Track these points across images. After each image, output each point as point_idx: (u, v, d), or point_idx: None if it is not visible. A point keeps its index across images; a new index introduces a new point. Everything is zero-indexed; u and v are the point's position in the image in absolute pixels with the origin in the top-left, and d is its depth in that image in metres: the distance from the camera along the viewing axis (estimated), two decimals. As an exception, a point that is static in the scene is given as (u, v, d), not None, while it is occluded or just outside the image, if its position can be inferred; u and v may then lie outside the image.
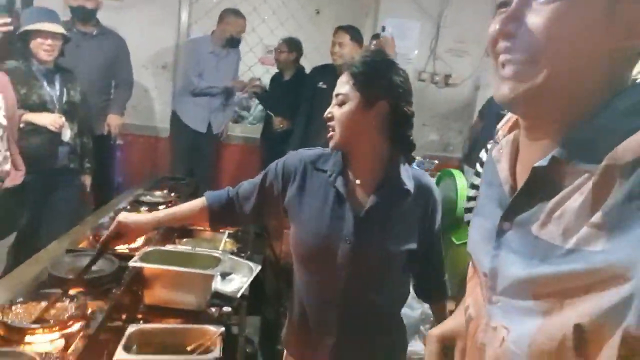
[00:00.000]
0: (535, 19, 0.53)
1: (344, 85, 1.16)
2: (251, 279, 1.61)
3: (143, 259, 1.43)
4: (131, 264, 1.40)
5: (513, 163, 0.64)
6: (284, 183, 1.26)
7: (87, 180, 2.63)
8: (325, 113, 1.19)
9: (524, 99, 0.56)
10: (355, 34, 3.11)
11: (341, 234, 1.16)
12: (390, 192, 1.17)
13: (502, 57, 0.57)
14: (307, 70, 3.67)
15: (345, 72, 1.17)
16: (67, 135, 2.36)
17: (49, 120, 2.28)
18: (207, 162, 3.63)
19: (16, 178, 2.11)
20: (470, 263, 0.73)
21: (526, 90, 0.55)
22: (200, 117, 3.49)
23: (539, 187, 0.57)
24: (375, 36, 3.41)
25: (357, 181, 1.20)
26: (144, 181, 2.68)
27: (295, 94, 3.51)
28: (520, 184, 0.61)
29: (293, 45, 3.63)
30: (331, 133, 1.18)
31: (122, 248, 1.68)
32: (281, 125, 3.52)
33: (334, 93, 1.18)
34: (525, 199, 0.58)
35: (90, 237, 1.74)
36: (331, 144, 1.18)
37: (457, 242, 2.22)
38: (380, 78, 1.14)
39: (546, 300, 0.54)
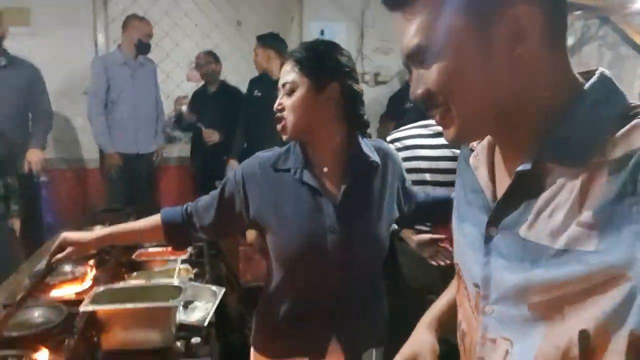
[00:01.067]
0: (428, 80, 0.57)
1: (289, 74, 1.13)
2: (217, 303, 1.54)
3: (95, 300, 1.32)
4: (82, 308, 1.28)
5: (491, 168, 0.64)
6: (245, 192, 1.19)
7: (16, 224, 2.42)
8: (275, 105, 1.15)
9: (465, 137, 0.61)
10: (276, 41, 3.17)
11: (325, 226, 1.14)
12: (360, 171, 1.17)
13: (430, 112, 0.60)
14: (232, 83, 3.67)
15: (289, 61, 1.14)
16: None
17: None
18: (143, 186, 3.43)
19: None
20: (457, 277, 0.72)
21: (459, 131, 0.58)
22: (124, 137, 3.27)
23: (523, 190, 0.56)
24: None
25: (325, 169, 1.18)
26: (78, 218, 2.49)
27: (222, 105, 3.48)
28: (500, 188, 0.61)
29: (217, 57, 3.58)
30: (282, 122, 1.14)
31: (68, 294, 1.55)
32: (212, 137, 3.44)
33: (280, 83, 1.15)
34: (510, 202, 0.58)
35: (29, 287, 1.58)
36: (285, 135, 1.14)
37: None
38: (326, 59, 1.13)
39: (544, 307, 0.53)
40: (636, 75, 3.89)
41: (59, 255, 1.23)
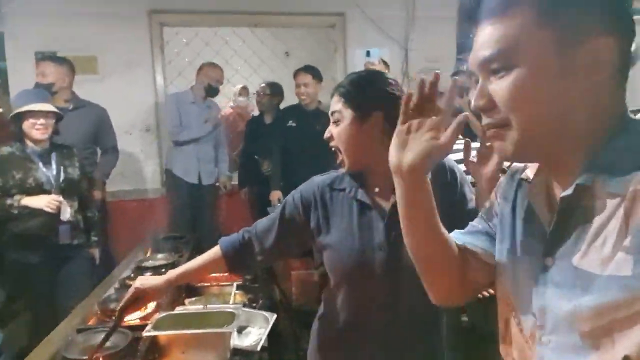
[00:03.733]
0: (497, 91, 0.58)
1: (336, 104, 1.20)
2: (269, 329, 1.59)
3: (156, 326, 1.41)
4: (145, 333, 1.38)
5: (548, 201, 0.64)
6: (305, 211, 1.26)
7: (96, 253, 2.62)
8: (325, 134, 1.22)
9: (521, 155, 0.61)
10: (315, 72, 3.30)
11: (374, 244, 1.17)
12: None
13: (484, 121, 0.62)
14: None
15: (335, 94, 1.21)
16: (66, 214, 2.35)
17: (44, 202, 2.27)
18: (205, 215, 3.63)
19: None
20: (503, 307, 0.71)
21: (517, 147, 0.58)
22: (188, 167, 3.53)
23: (572, 217, 0.57)
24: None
25: (376, 189, 1.21)
26: (140, 246, 2.65)
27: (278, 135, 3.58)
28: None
29: (275, 89, 3.72)
30: (340, 157, 1.20)
31: (133, 318, 1.65)
32: (269, 169, 3.55)
33: (330, 111, 1.22)
34: (562, 231, 0.58)
35: (99, 312, 1.71)
36: (344, 168, 1.21)
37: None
38: (367, 90, 1.17)
39: (594, 335, 0.53)
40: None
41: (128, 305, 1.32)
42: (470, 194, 1.24)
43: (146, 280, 1.34)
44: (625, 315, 0.49)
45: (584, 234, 0.55)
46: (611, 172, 0.53)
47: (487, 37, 0.58)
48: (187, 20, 3.86)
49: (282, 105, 3.76)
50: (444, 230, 0.77)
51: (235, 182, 3.91)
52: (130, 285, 1.88)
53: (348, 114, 1.17)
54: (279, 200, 3.10)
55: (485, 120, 0.61)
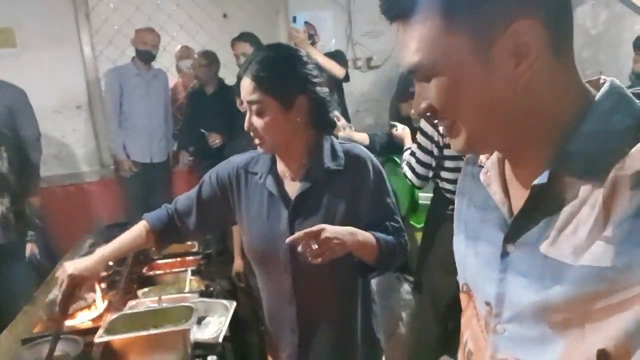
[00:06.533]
0: (432, 95, 0.57)
1: (253, 92, 1.09)
2: (229, 318, 1.55)
3: (109, 329, 1.34)
4: (97, 339, 1.30)
5: (504, 184, 0.62)
6: (222, 191, 1.26)
7: (34, 249, 2.47)
8: (245, 125, 1.14)
9: (473, 148, 0.61)
10: (253, 39, 3.13)
11: (279, 232, 1.16)
12: (316, 177, 1.16)
13: (437, 123, 0.61)
14: (228, 81, 3.59)
15: (248, 77, 1.10)
16: None
17: None
18: (159, 194, 3.45)
19: None
20: (463, 294, 0.71)
21: (468, 142, 0.57)
22: (139, 146, 3.36)
23: (541, 204, 0.55)
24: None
25: (288, 175, 1.20)
26: (83, 236, 2.48)
27: (222, 106, 3.43)
28: (516, 204, 0.60)
29: (211, 57, 3.52)
30: (258, 142, 1.15)
31: (82, 321, 1.56)
32: (216, 141, 3.42)
33: (245, 100, 1.12)
34: (528, 218, 0.56)
35: (45, 318, 1.60)
36: (262, 150, 1.18)
37: (417, 226, 2.26)
38: (288, 74, 1.11)
39: (565, 325, 0.52)
40: (634, 34, 3.81)
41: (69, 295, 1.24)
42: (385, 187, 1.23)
43: (77, 264, 1.25)
44: (601, 307, 0.49)
45: (552, 221, 0.54)
46: (583, 158, 0.52)
47: (404, 45, 0.56)
48: (112, -17, 3.54)
49: (224, 73, 3.60)
50: None
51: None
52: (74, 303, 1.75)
53: (271, 102, 1.09)
54: None
55: (436, 120, 0.60)
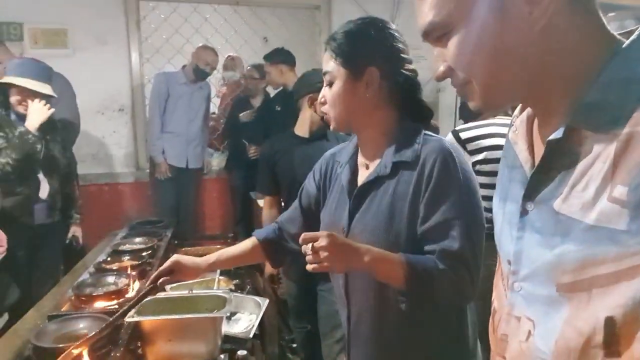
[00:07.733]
0: (447, 56, 0.57)
1: (328, 62, 1.06)
2: (261, 314, 1.48)
3: (140, 311, 1.28)
4: (128, 319, 1.25)
5: (530, 142, 0.61)
6: (318, 187, 1.22)
7: (78, 232, 2.48)
8: (319, 98, 1.10)
9: (489, 106, 0.59)
10: (283, 57, 3.29)
11: (339, 225, 1.08)
12: (383, 168, 1.02)
13: (453, 85, 0.60)
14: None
15: (327, 49, 1.06)
16: (45, 191, 2.18)
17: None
18: (189, 198, 3.53)
19: None
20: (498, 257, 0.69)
21: (483, 100, 0.57)
22: (176, 151, 3.42)
23: (557, 160, 0.53)
24: None
25: (364, 163, 1.10)
26: (114, 232, 2.47)
27: (265, 119, 3.47)
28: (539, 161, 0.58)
29: (262, 72, 3.57)
30: (326, 116, 1.10)
31: (111, 305, 1.52)
32: (255, 153, 3.41)
33: (323, 71, 1.08)
34: (545, 174, 0.54)
35: (73, 298, 1.56)
36: (331, 126, 1.10)
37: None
38: (360, 43, 1.03)
39: (572, 288, 0.50)
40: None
41: (166, 278, 1.20)
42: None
43: (185, 257, 1.26)
44: (609, 272, 0.46)
45: (567, 177, 0.51)
46: (602, 109, 0.49)
47: (420, 11, 0.58)
48: (164, -6, 3.67)
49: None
50: None
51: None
52: (106, 269, 1.74)
53: (340, 72, 1.03)
54: None
55: (453, 83, 0.60)
